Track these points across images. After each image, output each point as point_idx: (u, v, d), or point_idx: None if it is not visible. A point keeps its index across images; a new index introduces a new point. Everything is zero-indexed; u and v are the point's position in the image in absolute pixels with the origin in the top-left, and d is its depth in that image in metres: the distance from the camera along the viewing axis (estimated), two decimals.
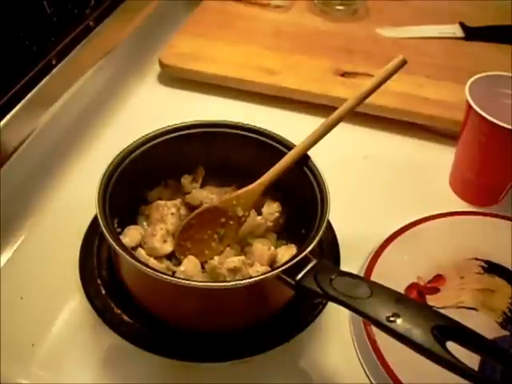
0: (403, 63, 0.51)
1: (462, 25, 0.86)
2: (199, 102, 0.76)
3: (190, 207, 0.56)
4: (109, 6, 0.74)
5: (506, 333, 0.50)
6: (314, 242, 0.45)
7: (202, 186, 0.58)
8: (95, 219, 0.53)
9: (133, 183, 0.53)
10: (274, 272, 0.43)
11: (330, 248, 0.54)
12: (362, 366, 0.49)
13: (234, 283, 0.44)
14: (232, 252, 0.53)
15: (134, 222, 0.55)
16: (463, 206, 0.63)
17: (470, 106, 0.58)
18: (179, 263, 0.51)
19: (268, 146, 0.54)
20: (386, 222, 0.58)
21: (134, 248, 0.52)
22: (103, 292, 0.50)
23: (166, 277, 0.43)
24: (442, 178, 0.66)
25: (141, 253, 0.51)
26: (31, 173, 0.63)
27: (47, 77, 0.63)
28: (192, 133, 0.55)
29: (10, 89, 0.58)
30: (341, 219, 0.55)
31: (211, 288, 0.44)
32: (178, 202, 0.55)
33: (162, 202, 0.54)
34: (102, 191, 0.48)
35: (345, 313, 0.51)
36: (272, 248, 0.51)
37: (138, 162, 0.52)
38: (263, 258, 0.50)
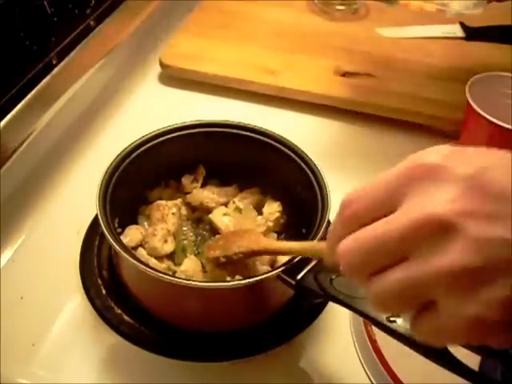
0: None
1: (462, 25, 0.86)
2: (199, 102, 0.76)
3: (191, 207, 0.56)
4: (109, 5, 0.74)
5: None
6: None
7: (203, 185, 0.58)
8: (95, 219, 0.53)
9: (133, 183, 0.53)
10: (274, 272, 0.43)
11: None
12: (363, 366, 0.49)
13: (234, 283, 0.44)
14: None
15: (135, 222, 0.55)
16: None
17: (470, 106, 0.58)
18: (180, 263, 0.51)
19: (268, 146, 0.54)
20: None
21: (135, 248, 0.52)
22: (104, 292, 0.50)
23: (166, 277, 0.43)
24: None
25: (141, 253, 0.51)
26: (31, 173, 0.63)
27: (47, 77, 0.63)
28: (192, 133, 0.55)
29: (10, 89, 0.58)
30: None
31: (211, 288, 0.44)
32: (178, 201, 0.55)
33: (163, 202, 0.54)
34: (103, 191, 0.48)
35: (345, 313, 0.51)
36: None
37: (138, 162, 0.52)
38: (264, 258, 0.50)
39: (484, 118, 0.56)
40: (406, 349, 0.37)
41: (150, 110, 0.74)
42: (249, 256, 0.47)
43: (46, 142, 0.65)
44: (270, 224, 0.55)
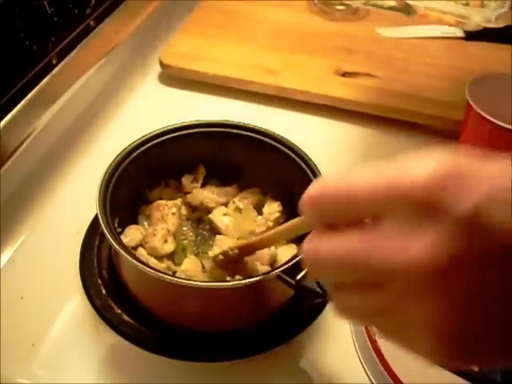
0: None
1: None
2: (199, 102, 0.76)
3: (191, 207, 0.56)
4: (109, 5, 0.74)
5: None
6: None
7: (203, 185, 0.58)
8: (95, 219, 0.53)
9: (133, 183, 0.53)
10: (274, 272, 0.43)
11: None
12: (363, 366, 0.49)
13: (234, 283, 0.44)
14: None
15: (135, 222, 0.55)
16: None
17: (470, 106, 0.58)
18: (180, 263, 0.51)
19: (268, 146, 0.54)
20: None
21: (135, 248, 0.52)
22: (103, 292, 0.50)
23: (166, 277, 0.43)
24: None
25: (141, 252, 0.51)
26: (31, 173, 0.63)
27: (47, 77, 0.63)
28: (192, 133, 0.55)
29: (10, 89, 0.58)
30: None
31: (211, 288, 0.44)
32: (178, 201, 0.55)
33: (163, 202, 0.54)
34: (103, 191, 0.48)
35: None
36: (272, 248, 0.51)
37: (138, 162, 0.52)
38: (264, 258, 0.50)
39: (484, 118, 0.56)
40: None
41: (149, 109, 0.74)
42: (244, 250, 0.47)
43: (46, 142, 0.65)
44: (270, 224, 0.54)
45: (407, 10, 0.84)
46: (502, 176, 0.24)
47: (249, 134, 0.55)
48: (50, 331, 0.50)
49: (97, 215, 0.46)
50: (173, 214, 0.53)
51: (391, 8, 0.84)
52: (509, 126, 0.55)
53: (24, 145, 0.60)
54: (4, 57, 0.57)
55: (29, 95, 0.60)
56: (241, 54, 0.79)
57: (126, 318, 0.48)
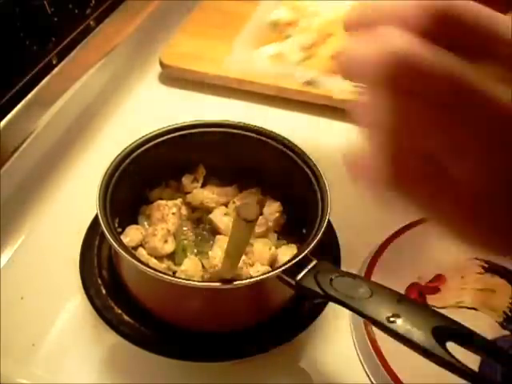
0: None
1: None
2: (199, 102, 0.76)
3: (191, 207, 0.56)
4: (109, 5, 0.74)
5: (507, 333, 0.50)
6: (315, 242, 0.45)
7: (203, 185, 0.58)
8: (96, 219, 0.53)
9: (134, 183, 0.53)
10: (274, 272, 0.43)
11: (330, 248, 0.54)
12: (363, 366, 0.49)
13: (234, 283, 0.44)
14: None
15: (135, 222, 0.55)
16: None
17: None
18: (180, 263, 0.51)
19: (268, 146, 0.54)
20: (386, 222, 0.58)
21: (135, 248, 0.52)
22: (104, 292, 0.50)
23: (166, 277, 0.43)
24: None
25: (142, 253, 0.51)
26: (31, 173, 0.63)
27: (47, 77, 0.63)
28: (192, 133, 0.55)
29: (10, 89, 0.58)
30: (341, 219, 0.55)
31: (211, 288, 0.44)
32: (178, 201, 0.55)
33: (163, 202, 0.54)
34: (103, 191, 0.48)
35: (345, 313, 0.51)
36: (273, 248, 0.51)
37: (138, 162, 0.52)
38: (264, 258, 0.50)
39: None
40: (407, 349, 0.37)
41: (149, 109, 0.74)
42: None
43: (46, 142, 0.65)
44: (270, 224, 0.55)
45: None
46: None
47: (249, 133, 0.55)
48: (50, 331, 0.50)
49: (97, 215, 0.46)
50: (173, 213, 0.53)
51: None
52: None
53: (24, 145, 0.60)
54: (4, 57, 0.57)
55: (29, 95, 0.60)
56: None
57: (126, 317, 0.48)
